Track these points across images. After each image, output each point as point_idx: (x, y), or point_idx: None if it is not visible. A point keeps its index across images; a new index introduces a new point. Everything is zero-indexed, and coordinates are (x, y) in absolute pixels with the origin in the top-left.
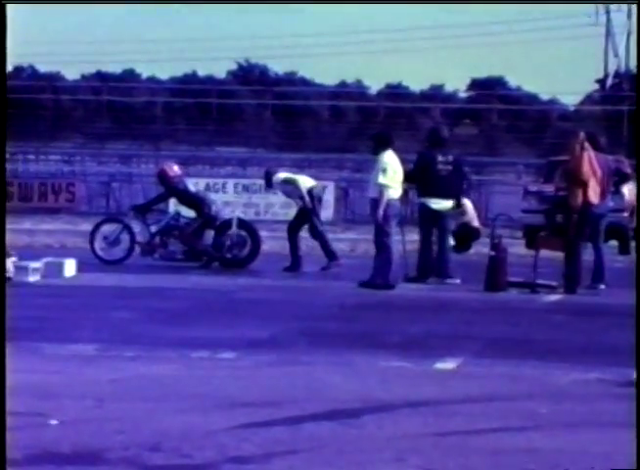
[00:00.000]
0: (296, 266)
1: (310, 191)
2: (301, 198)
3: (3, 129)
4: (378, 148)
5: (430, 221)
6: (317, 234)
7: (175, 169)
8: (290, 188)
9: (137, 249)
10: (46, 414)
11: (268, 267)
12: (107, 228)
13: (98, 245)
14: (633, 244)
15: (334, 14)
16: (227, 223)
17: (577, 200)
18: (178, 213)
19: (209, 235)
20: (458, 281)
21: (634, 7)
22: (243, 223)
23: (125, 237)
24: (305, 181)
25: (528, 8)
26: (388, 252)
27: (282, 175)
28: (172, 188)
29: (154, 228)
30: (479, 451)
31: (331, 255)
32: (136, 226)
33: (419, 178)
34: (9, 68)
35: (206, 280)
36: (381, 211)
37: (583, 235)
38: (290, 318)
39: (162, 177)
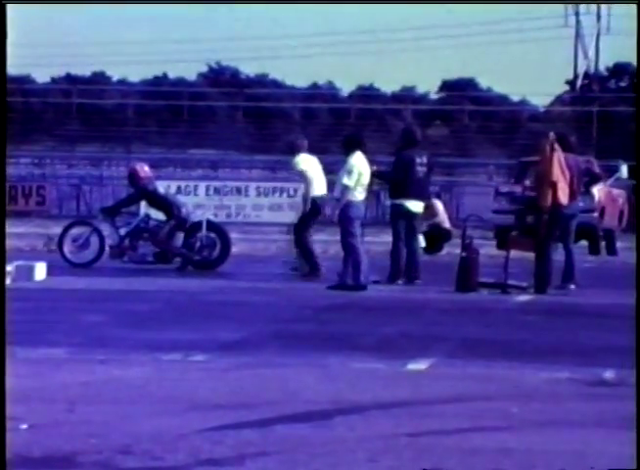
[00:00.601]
0: (315, 271)
1: (315, 200)
2: (305, 201)
3: (3, 131)
4: (347, 149)
5: (405, 222)
6: (301, 244)
7: (146, 170)
8: (301, 181)
9: (106, 251)
10: (16, 418)
11: (239, 269)
12: (75, 231)
13: (67, 248)
14: (603, 244)
15: (304, 15)
16: (197, 225)
17: (547, 200)
18: (148, 216)
19: (179, 237)
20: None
21: (604, 8)
22: (212, 225)
23: (94, 240)
24: (317, 188)
25: (499, 9)
26: (356, 253)
27: (301, 165)
28: (142, 189)
29: (123, 231)
30: (451, 452)
31: (314, 266)
32: (105, 229)
33: (398, 180)
34: None
35: (178, 282)
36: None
37: (553, 235)
38: (262, 320)
39: (133, 177)
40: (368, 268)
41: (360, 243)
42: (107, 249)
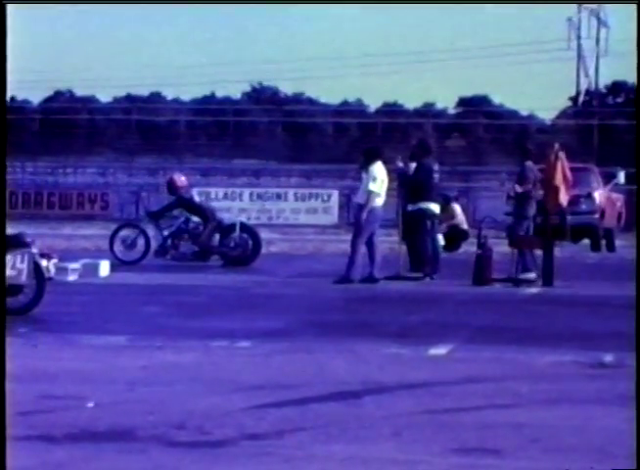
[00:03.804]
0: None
1: (360, 206)
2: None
3: (3, 132)
4: (369, 160)
5: (430, 223)
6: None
7: (183, 180)
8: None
9: (152, 250)
10: (84, 397)
11: (279, 266)
12: (124, 233)
13: (117, 248)
14: (603, 242)
15: (335, 39)
16: (231, 227)
17: (552, 203)
18: (187, 219)
19: (216, 238)
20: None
21: (603, 33)
22: (244, 227)
23: (141, 240)
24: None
25: (510, 34)
26: (357, 253)
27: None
28: (180, 197)
29: (166, 232)
30: (467, 427)
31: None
32: (150, 230)
33: (420, 185)
34: (50, 92)
35: (221, 278)
36: (365, 214)
37: (565, 233)
38: (299, 311)
39: (171, 186)
40: (380, 264)
41: (366, 243)
42: (152, 248)
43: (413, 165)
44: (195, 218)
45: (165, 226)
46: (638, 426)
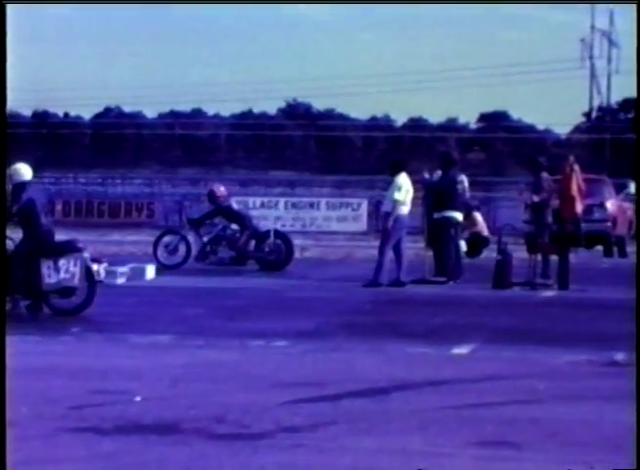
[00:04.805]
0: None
1: (387, 214)
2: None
3: (3, 134)
4: (394, 171)
5: (454, 231)
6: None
7: (222, 190)
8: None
9: (192, 255)
10: (131, 392)
11: (310, 270)
12: (167, 239)
13: (160, 253)
14: (615, 248)
15: (366, 60)
16: (266, 234)
17: (568, 212)
18: (226, 226)
19: (252, 244)
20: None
21: (614, 53)
22: (279, 234)
23: (182, 246)
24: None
25: (527, 53)
26: (384, 257)
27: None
28: (219, 206)
29: (206, 238)
30: (489, 421)
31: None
32: (191, 237)
33: (445, 195)
34: (100, 109)
35: (258, 281)
36: (391, 222)
37: (580, 240)
38: (331, 313)
39: (211, 196)
40: (406, 269)
41: (392, 249)
42: (192, 253)
43: (438, 173)
44: (233, 226)
45: (205, 233)
46: (638, 426)
